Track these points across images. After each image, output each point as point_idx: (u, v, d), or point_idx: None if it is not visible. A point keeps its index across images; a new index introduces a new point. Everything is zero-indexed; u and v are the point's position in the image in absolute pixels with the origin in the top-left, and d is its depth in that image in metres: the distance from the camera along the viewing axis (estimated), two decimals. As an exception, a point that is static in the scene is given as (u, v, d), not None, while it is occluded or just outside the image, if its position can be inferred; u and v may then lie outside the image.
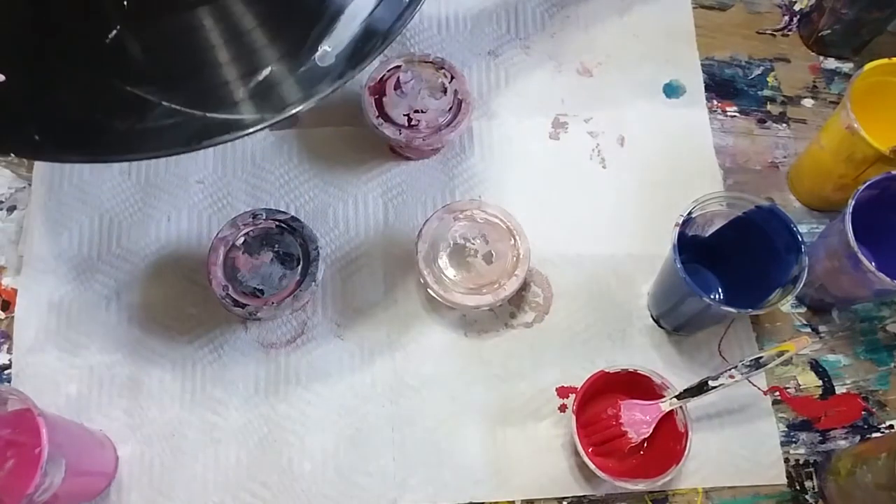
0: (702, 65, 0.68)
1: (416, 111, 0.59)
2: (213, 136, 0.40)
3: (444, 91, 0.60)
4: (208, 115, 0.41)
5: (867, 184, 0.51)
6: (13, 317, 0.58)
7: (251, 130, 0.40)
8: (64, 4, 0.42)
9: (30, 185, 0.62)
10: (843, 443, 0.57)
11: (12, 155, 0.40)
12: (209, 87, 0.41)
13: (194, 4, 0.41)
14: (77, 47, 0.42)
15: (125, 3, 0.41)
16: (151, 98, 0.40)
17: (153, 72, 0.42)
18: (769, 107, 0.67)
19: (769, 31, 0.70)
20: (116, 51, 0.41)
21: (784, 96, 0.67)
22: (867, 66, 0.55)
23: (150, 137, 0.40)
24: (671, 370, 0.57)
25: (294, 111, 0.41)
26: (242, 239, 0.56)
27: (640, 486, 0.50)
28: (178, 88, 0.41)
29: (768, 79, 0.68)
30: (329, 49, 0.41)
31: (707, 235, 0.55)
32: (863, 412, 0.58)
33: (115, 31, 0.41)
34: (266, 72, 0.41)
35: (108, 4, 0.41)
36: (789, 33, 0.70)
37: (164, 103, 0.40)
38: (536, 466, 0.55)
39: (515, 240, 0.56)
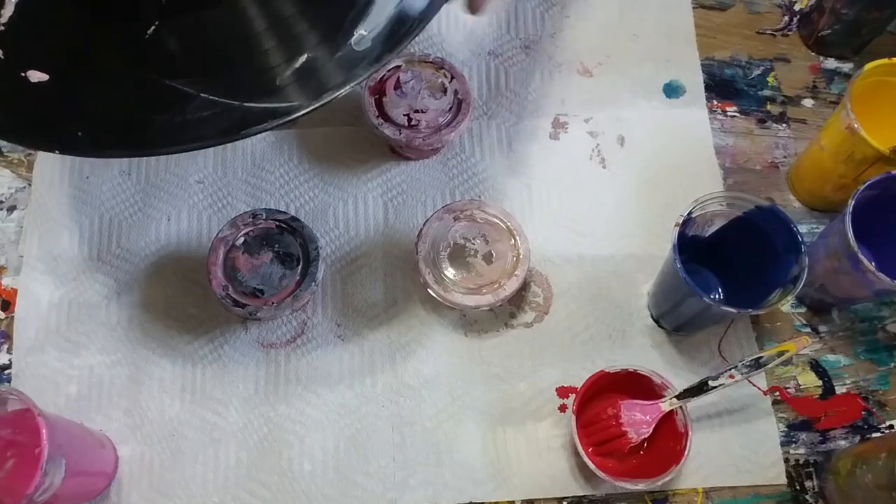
0: (702, 65, 0.68)
1: (416, 111, 0.59)
2: (251, 126, 0.40)
3: (444, 91, 0.60)
4: (246, 104, 0.40)
5: (867, 184, 0.51)
6: (13, 317, 0.58)
7: (291, 118, 0.40)
8: (104, 4, 0.42)
9: (30, 185, 0.62)
10: (843, 443, 0.57)
11: (57, 152, 0.40)
12: (247, 77, 0.41)
13: None
14: (117, 45, 0.42)
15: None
16: (190, 90, 0.40)
17: (191, 64, 0.42)
18: (769, 107, 0.67)
19: (769, 31, 0.70)
20: (155, 46, 0.41)
21: (784, 96, 0.67)
22: (867, 66, 0.55)
23: (188, 129, 0.40)
24: (671, 370, 0.57)
25: (333, 96, 0.40)
26: (242, 239, 0.56)
27: (640, 486, 0.50)
28: (216, 79, 0.41)
29: (768, 79, 0.68)
30: (365, 33, 0.41)
31: (707, 235, 0.55)
32: (863, 412, 0.58)
33: (153, 27, 0.41)
34: (303, 58, 0.41)
35: (146, 1, 0.41)
36: (789, 33, 0.70)
37: (203, 95, 0.40)
38: (536, 466, 0.55)
39: (515, 240, 0.56)
